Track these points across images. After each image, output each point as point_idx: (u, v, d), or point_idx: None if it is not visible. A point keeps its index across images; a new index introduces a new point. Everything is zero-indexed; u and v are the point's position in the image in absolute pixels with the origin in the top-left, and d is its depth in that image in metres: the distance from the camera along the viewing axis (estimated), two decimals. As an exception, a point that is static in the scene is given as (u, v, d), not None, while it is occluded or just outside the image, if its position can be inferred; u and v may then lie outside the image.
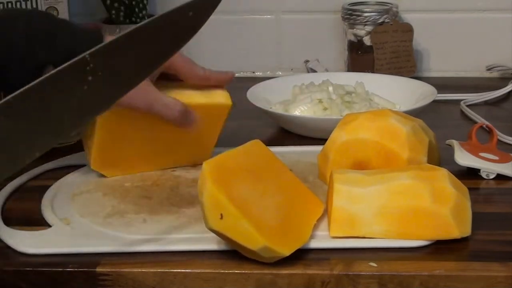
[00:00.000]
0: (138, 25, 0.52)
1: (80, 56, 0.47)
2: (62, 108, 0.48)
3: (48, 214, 0.80)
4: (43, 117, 0.47)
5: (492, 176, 0.88)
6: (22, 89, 0.46)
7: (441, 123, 1.07)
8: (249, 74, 1.39)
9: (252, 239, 0.67)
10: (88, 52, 0.47)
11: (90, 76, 0.48)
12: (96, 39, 0.77)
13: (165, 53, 0.55)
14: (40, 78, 0.46)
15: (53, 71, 0.46)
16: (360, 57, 1.31)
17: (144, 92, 0.79)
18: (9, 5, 1.25)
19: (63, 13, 1.29)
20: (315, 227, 0.75)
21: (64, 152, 0.98)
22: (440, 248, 0.72)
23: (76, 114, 0.49)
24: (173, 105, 0.82)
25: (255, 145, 0.77)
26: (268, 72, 1.38)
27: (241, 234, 0.68)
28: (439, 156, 0.88)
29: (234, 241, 0.68)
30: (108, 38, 0.77)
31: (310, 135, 1.03)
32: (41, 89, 0.46)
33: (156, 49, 0.54)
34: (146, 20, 0.53)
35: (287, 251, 0.69)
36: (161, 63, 0.55)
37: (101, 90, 0.49)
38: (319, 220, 0.77)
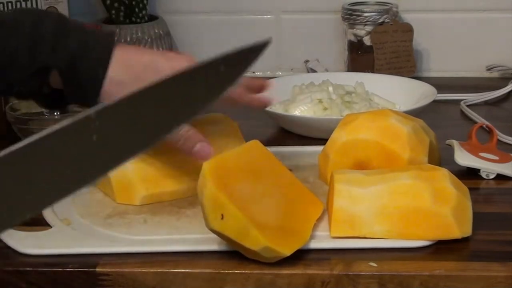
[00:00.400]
0: (156, 81, 0.46)
1: (85, 113, 0.44)
2: (62, 166, 0.45)
3: (48, 214, 0.80)
4: (41, 174, 0.44)
5: (492, 176, 0.88)
6: (21, 143, 0.43)
7: (441, 123, 1.07)
8: (249, 74, 1.38)
9: (253, 239, 0.67)
10: (94, 109, 0.44)
11: (95, 135, 0.44)
12: (106, 46, 0.75)
13: (186, 114, 0.48)
14: (42, 133, 0.44)
15: (55, 127, 0.44)
16: (360, 57, 1.31)
17: None
18: (9, 5, 1.25)
19: (63, 13, 1.29)
20: (315, 227, 0.75)
21: (64, 152, 0.98)
22: (440, 248, 0.72)
23: (78, 173, 0.46)
24: (194, 138, 0.76)
25: (254, 145, 0.77)
26: (268, 72, 1.38)
27: (242, 234, 0.68)
28: (440, 156, 0.88)
29: (235, 242, 0.68)
30: (120, 47, 0.75)
31: (310, 135, 1.03)
32: (41, 144, 0.44)
33: (175, 109, 0.47)
34: (167, 75, 0.46)
35: (288, 251, 0.69)
36: (180, 125, 0.48)
37: (107, 150, 0.45)
38: (319, 220, 0.77)
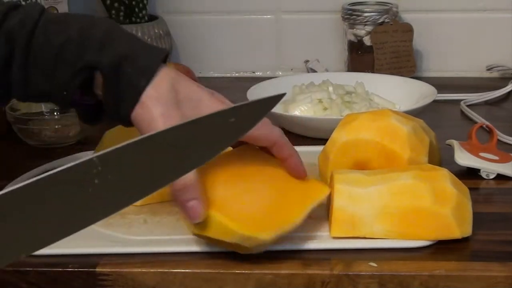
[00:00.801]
0: (164, 129, 0.45)
1: (88, 158, 0.43)
2: (62, 208, 0.44)
3: (48, 214, 0.79)
4: (40, 215, 0.44)
5: (492, 176, 0.88)
6: (25, 182, 0.42)
7: (441, 123, 1.07)
8: (249, 74, 1.39)
9: (228, 231, 0.67)
10: (96, 154, 0.43)
11: (97, 179, 0.44)
12: (155, 57, 0.70)
13: (191, 163, 0.48)
14: (44, 174, 0.43)
15: (58, 169, 0.43)
16: (360, 57, 1.31)
17: None
18: (9, 5, 1.25)
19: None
20: (316, 227, 0.75)
21: (64, 152, 0.98)
22: (440, 248, 0.72)
23: (78, 215, 0.45)
24: (191, 193, 0.68)
25: (247, 148, 0.77)
26: (268, 72, 1.38)
27: (217, 230, 0.67)
28: (440, 156, 0.88)
29: (216, 240, 0.68)
30: (171, 68, 0.71)
31: (310, 135, 1.03)
32: (43, 185, 0.43)
33: (180, 158, 0.47)
34: (178, 124, 0.46)
35: (266, 236, 0.68)
36: (184, 173, 0.48)
37: (108, 195, 0.45)
38: (320, 220, 0.77)
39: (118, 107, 0.70)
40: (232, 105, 0.48)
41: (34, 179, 0.43)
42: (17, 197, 0.43)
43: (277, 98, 0.50)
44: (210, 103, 0.71)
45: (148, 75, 0.69)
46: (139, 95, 0.69)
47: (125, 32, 0.73)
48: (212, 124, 0.47)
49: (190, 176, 0.66)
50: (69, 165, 0.43)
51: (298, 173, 0.75)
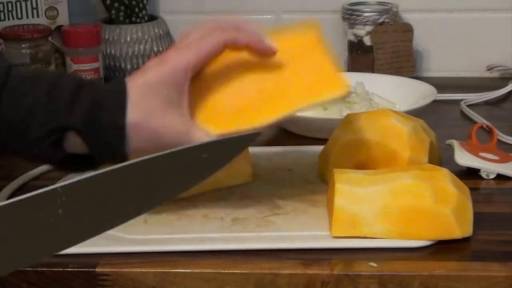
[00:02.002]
0: (133, 160, 0.45)
1: (52, 187, 0.43)
2: (24, 236, 0.44)
3: (48, 214, 0.79)
4: (3, 240, 0.43)
5: (492, 176, 0.88)
6: None
7: (441, 123, 1.07)
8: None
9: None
10: (60, 184, 0.43)
11: (60, 209, 0.43)
12: (119, 92, 0.72)
13: (159, 196, 0.47)
14: (6, 201, 0.43)
15: (22, 197, 0.42)
16: (360, 57, 1.31)
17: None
18: (9, 5, 1.25)
19: (63, 13, 1.29)
20: (316, 227, 0.75)
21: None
22: (441, 248, 0.72)
23: (41, 243, 0.45)
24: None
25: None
26: (268, 72, 1.38)
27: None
28: (440, 157, 0.88)
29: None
30: (133, 89, 0.72)
31: (310, 135, 1.03)
32: (5, 211, 0.43)
33: (147, 191, 0.46)
34: (147, 157, 0.45)
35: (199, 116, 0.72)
36: (153, 207, 0.47)
37: (72, 225, 0.45)
38: (320, 219, 0.77)
39: (111, 152, 0.72)
40: None
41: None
42: None
43: (251, 137, 0.50)
44: (161, 66, 0.73)
45: (121, 112, 0.71)
46: (123, 133, 0.71)
47: (89, 83, 0.75)
48: (183, 158, 0.46)
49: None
50: (33, 193, 0.43)
51: (265, 52, 0.75)
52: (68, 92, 0.72)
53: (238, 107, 0.74)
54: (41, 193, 0.43)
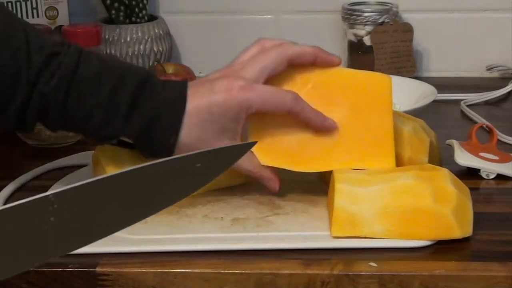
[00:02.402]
0: (126, 169, 0.45)
1: (44, 194, 0.43)
2: (16, 243, 0.44)
3: (48, 214, 0.79)
4: None
5: (492, 176, 0.88)
6: None
7: (441, 123, 1.07)
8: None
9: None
10: (53, 192, 0.43)
11: (52, 217, 0.43)
12: (177, 112, 0.76)
13: (152, 206, 0.48)
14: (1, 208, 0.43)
15: (15, 203, 0.42)
16: (360, 57, 1.31)
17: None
18: (9, 5, 1.25)
19: (63, 13, 1.29)
20: (316, 227, 0.75)
21: (64, 152, 0.98)
22: (441, 248, 0.72)
23: (33, 251, 0.45)
24: (265, 176, 0.80)
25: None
26: (268, 72, 1.38)
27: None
28: (440, 157, 0.88)
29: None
30: (192, 108, 0.76)
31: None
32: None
33: (141, 200, 0.46)
34: (139, 165, 0.45)
35: (264, 160, 0.78)
36: (147, 216, 0.48)
37: (65, 232, 0.45)
38: (320, 219, 0.77)
39: (157, 157, 0.74)
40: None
41: None
42: None
43: (245, 147, 0.51)
44: (218, 108, 0.76)
45: (175, 131, 0.75)
46: (172, 149, 0.76)
47: (152, 84, 0.76)
48: (177, 167, 0.46)
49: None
50: (25, 200, 0.43)
51: (332, 62, 0.80)
52: (127, 98, 0.75)
53: (291, 146, 0.77)
54: (33, 200, 0.43)
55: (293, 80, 0.79)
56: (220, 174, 0.48)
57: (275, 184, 0.80)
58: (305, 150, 0.78)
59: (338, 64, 0.80)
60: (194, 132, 0.76)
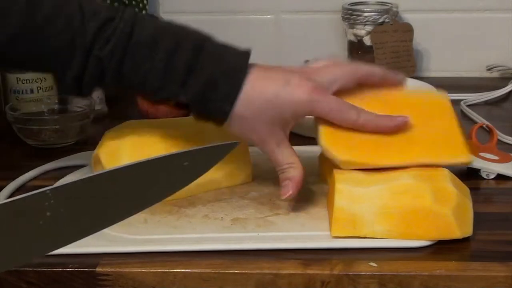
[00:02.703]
0: (119, 166, 0.47)
1: (42, 190, 0.45)
2: (14, 236, 0.45)
3: (48, 214, 0.79)
4: None
5: (492, 176, 0.88)
6: None
7: (441, 123, 1.07)
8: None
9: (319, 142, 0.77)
10: (50, 187, 0.45)
11: (48, 212, 0.45)
12: (236, 82, 0.76)
13: (143, 201, 0.50)
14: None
15: (12, 199, 0.44)
16: (360, 57, 1.31)
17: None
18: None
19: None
20: (316, 227, 0.75)
21: (64, 152, 0.98)
22: (441, 248, 0.72)
23: (29, 245, 0.47)
24: (287, 175, 0.78)
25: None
26: (268, 72, 1.38)
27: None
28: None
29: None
30: (251, 78, 0.76)
31: (310, 135, 1.03)
32: None
33: (132, 195, 0.49)
34: (131, 163, 0.47)
35: (341, 156, 0.75)
36: (137, 211, 0.50)
37: (60, 227, 0.47)
38: (320, 219, 0.77)
39: (208, 121, 0.78)
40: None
41: None
42: None
43: (230, 146, 0.53)
44: (288, 97, 0.76)
45: (231, 101, 0.75)
46: (226, 117, 0.76)
47: (210, 50, 0.77)
48: (166, 165, 0.49)
49: (290, 161, 0.78)
50: (22, 196, 0.44)
51: (399, 83, 0.82)
52: (185, 61, 0.75)
53: (365, 144, 0.76)
54: (31, 195, 0.44)
55: (358, 96, 0.79)
56: (205, 172, 0.51)
57: (293, 189, 0.78)
58: (380, 148, 0.76)
59: (402, 83, 0.82)
60: (251, 108, 0.75)
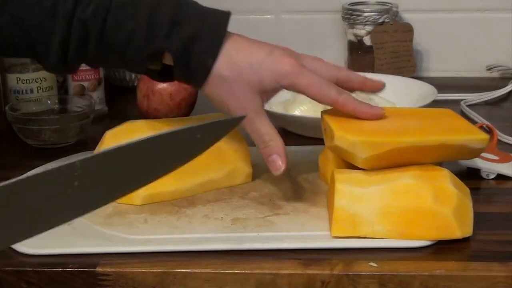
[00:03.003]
0: (140, 139, 0.52)
1: (71, 162, 0.49)
2: (44, 204, 0.50)
3: (48, 214, 0.79)
4: (24, 209, 0.49)
5: (492, 176, 0.88)
6: (8, 182, 0.47)
7: (441, 123, 1.07)
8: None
9: (332, 135, 0.75)
10: (79, 159, 0.49)
11: (76, 181, 0.49)
12: (218, 36, 0.77)
13: (159, 171, 0.54)
14: (27, 174, 0.48)
15: (41, 171, 0.48)
16: (360, 57, 1.31)
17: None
18: None
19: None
20: (316, 227, 0.75)
21: (64, 152, 0.98)
22: (441, 248, 0.72)
23: (58, 212, 0.51)
24: (273, 149, 0.78)
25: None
26: (268, 72, 1.38)
27: (330, 136, 0.76)
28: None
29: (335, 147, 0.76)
30: (233, 39, 0.78)
31: (310, 135, 1.03)
32: (27, 183, 0.48)
33: (150, 166, 0.53)
34: (151, 135, 0.52)
35: (357, 137, 0.73)
36: (155, 179, 0.54)
37: (86, 195, 0.51)
38: (320, 219, 0.77)
39: (190, 81, 0.78)
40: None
41: (20, 177, 0.47)
42: (4, 192, 0.47)
43: (237, 120, 0.58)
44: (271, 66, 0.77)
45: (213, 55, 0.76)
46: (207, 73, 0.76)
47: (190, 7, 0.78)
48: (181, 138, 0.54)
49: (271, 136, 0.78)
50: (54, 165, 0.48)
51: (379, 86, 0.83)
52: (168, 16, 0.76)
53: (378, 128, 0.76)
54: (61, 166, 0.49)
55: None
56: (214, 144, 0.56)
57: (282, 162, 0.77)
58: (396, 131, 0.76)
59: (383, 87, 0.83)
60: (233, 69, 0.76)
